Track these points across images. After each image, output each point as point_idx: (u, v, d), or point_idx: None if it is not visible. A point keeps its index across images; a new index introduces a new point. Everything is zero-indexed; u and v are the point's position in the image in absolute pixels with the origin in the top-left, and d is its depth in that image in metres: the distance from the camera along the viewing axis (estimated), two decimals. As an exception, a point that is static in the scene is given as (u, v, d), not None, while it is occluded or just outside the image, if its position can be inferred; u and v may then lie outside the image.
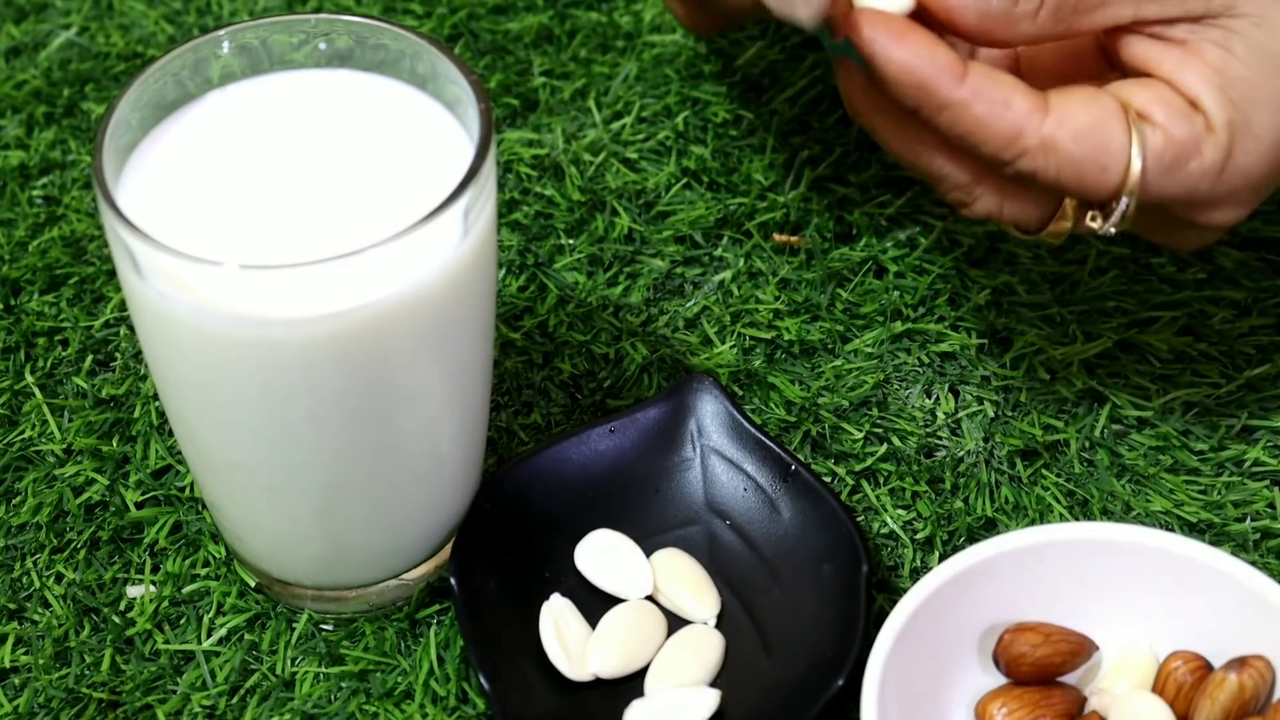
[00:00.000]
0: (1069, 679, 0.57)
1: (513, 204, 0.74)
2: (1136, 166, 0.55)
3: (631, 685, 0.59)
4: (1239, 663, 0.54)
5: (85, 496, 0.65)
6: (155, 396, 0.67)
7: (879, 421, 0.66)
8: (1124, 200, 0.56)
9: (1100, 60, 0.60)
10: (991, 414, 0.66)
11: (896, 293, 0.70)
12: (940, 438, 0.66)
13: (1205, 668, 0.56)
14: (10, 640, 0.61)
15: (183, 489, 0.65)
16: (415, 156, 0.56)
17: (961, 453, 0.65)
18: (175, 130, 0.57)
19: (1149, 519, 0.63)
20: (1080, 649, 0.57)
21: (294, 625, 0.61)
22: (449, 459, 0.60)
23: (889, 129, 0.58)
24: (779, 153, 0.76)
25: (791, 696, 0.57)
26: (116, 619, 0.62)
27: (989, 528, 0.63)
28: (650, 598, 0.61)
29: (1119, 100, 0.56)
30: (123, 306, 0.70)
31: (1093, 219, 0.58)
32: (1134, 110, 0.56)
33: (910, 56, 0.54)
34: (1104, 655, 0.58)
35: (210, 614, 0.62)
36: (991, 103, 0.55)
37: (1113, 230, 0.57)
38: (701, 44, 0.81)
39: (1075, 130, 0.55)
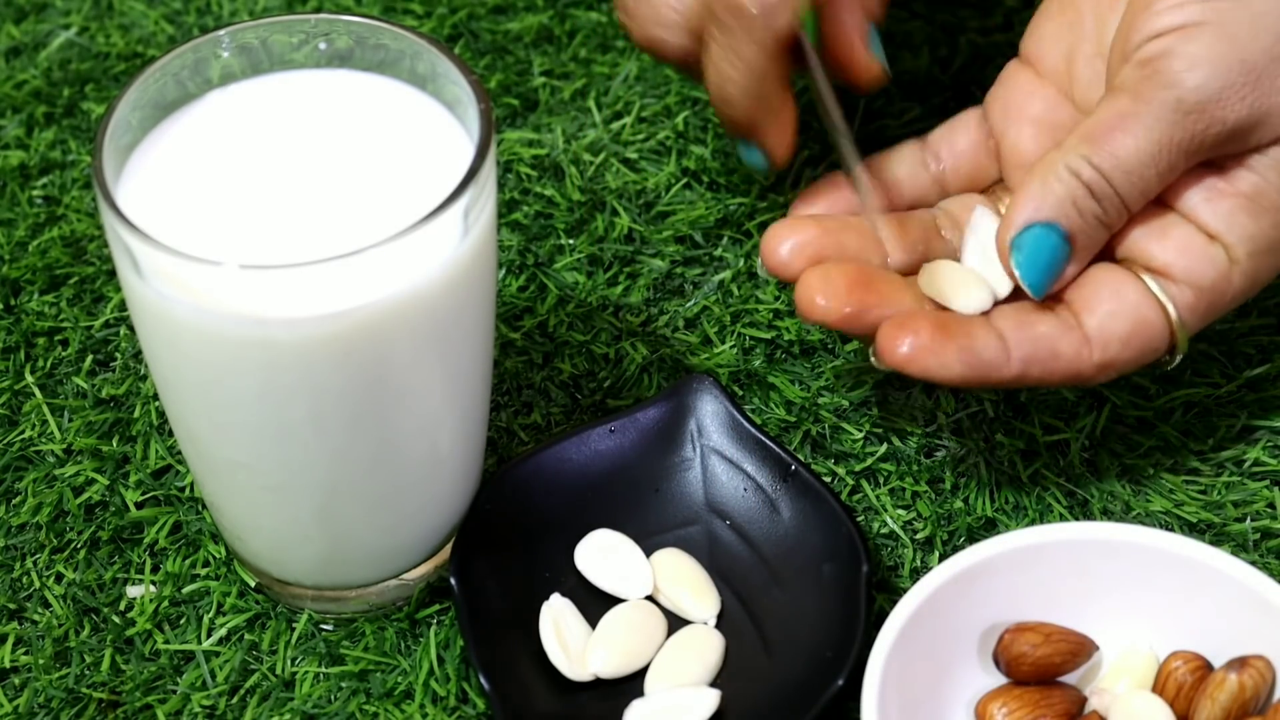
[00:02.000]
0: (1069, 679, 0.57)
1: (513, 204, 0.74)
2: (1179, 327, 0.59)
3: (632, 685, 0.59)
4: (1239, 663, 0.54)
5: (85, 496, 0.65)
6: (155, 396, 0.67)
7: (879, 421, 0.66)
8: (1177, 354, 0.60)
9: None
10: (991, 414, 0.66)
11: (896, 293, 0.70)
12: (940, 438, 0.66)
13: (1205, 667, 0.56)
14: (10, 640, 0.61)
15: (183, 489, 0.65)
16: (415, 156, 0.56)
17: (961, 453, 0.65)
18: (175, 130, 0.57)
19: (1149, 519, 0.63)
20: (1080, 649, 0.57)
21: (294, 625, 0.61)
22: (449, 459, 0.60)
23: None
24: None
25: (791, 696, 0.57)
26: (116, 619, 0.62)
27: (989, 528, 0.63)
28: (650, 598, 0.61)
29: (1139, 272, 0.59)
30: (123, 306, 0.70)
31: (1156, 365, 0.61)
32: (1155, 271, 0.59)
33: (958, 368, 0.58)
34: (1104, 655, 0.58)
35: (210, 614, 0.62)
36: (1043, 363, 0.58)
37: (1172, 366, 0.61)
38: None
39: (1121, 341, 0.59)
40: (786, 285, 0.68)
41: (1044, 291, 0.59)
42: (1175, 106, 0.58)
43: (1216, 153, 0.59)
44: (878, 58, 0.65)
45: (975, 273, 0.62)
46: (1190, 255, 0.59)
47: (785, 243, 0.61)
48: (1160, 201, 0.60)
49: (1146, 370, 0.64)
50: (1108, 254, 0.61)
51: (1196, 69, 0.57)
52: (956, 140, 0.66)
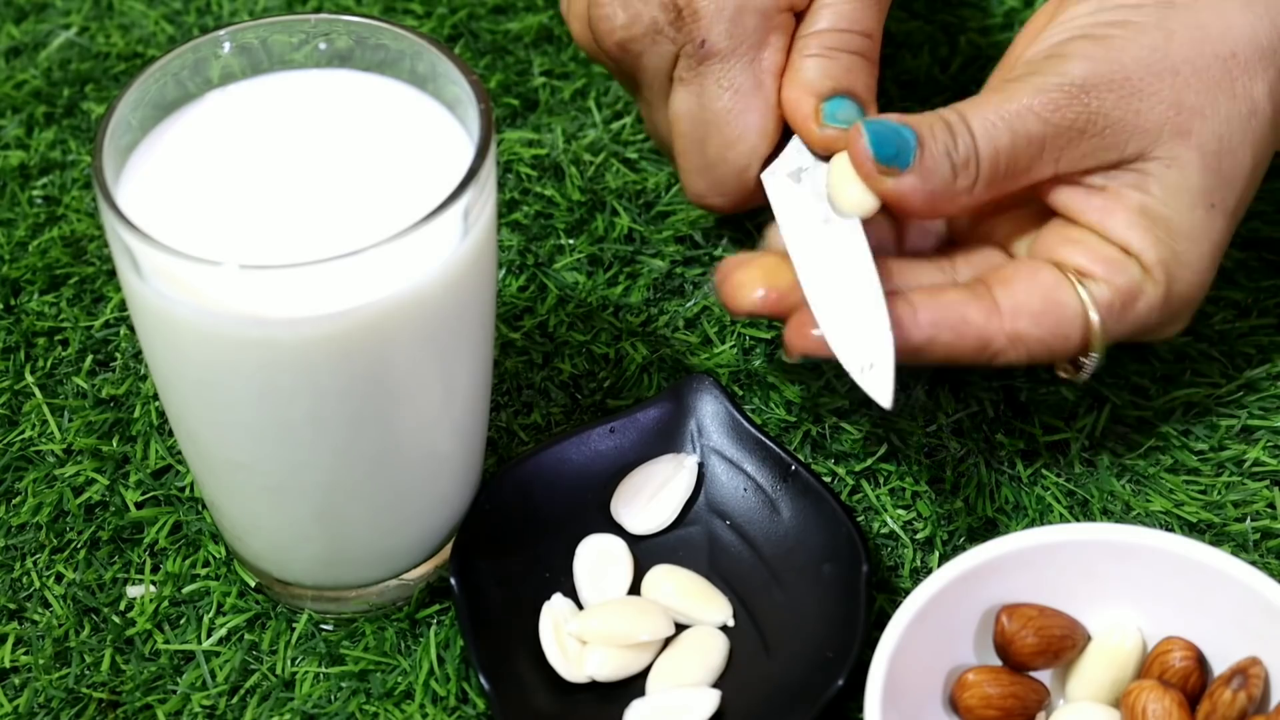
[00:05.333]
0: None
1: (513, 204, 0.74)
2: (1095, 323, 0.60)
3: (632, 686, 0.59)
4: (1241, 676, 0.55)
5: (85, 496, 0.65)
6: (155, 396, 0.67)
7: (879, 421, 0.66)
8: (1093, 356, 0.60)
9: (1032, 201, 0.63)
10: (991, 414, 0.66)
11: (896, 293, 0.70)
12: (940, 438, 0.66)
13: (1198, 659, 0.56)
14: (10, 640, 0.61)
15: (183, 489, 0.65)
16: (415, 156, 0.56)
17: (961, 453, 0.65)
18: (175, 130, 0.57)
19: (1149, 519, 0.63)
20: (1074, 630, 0.57)
21: (294, 625, 0.61)
22: (449, 459, 0.60)
23: None
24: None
25: (792, 696, 0.57)
26: (116, 619, 0.62)
27: (989, 528, 0.63)
28: (651, 600, 0.61)
29: (1057, 266, 0.60)
30: (123, 306, 0.70)
31: (1064, 372, 0.62)
32: (1073, 270, 0.60)
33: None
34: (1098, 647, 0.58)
35: (210, 614, 0.62)
36: (951, 328, 0.59)
37: (1086, 377, 0.61)
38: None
39: (1032, 315, 0.59)
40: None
41: (882, 156, 0.59)
42: (1041, 85, 0.60)
43: (1090, 159, 0.60)
44: (827, 121, 0.63)
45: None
46: (1105, 260, 0.60)
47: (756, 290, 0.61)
48: (1069, 221, 0.61)
49: (1132, 348, 0.64)
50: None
51: (1070, 61, 0.60)
52: None
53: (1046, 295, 0.60)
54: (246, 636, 0.61)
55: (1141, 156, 0.60)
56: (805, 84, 0.63)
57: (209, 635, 0.61)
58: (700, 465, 0.64)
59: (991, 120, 0.59)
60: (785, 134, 0.65)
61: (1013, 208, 0.63)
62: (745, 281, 0.60)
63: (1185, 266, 0.61)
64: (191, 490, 0.65)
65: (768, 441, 0.63)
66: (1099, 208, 0.61)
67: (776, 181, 0.64)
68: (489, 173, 0.54)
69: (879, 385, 0.57)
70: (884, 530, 0.63)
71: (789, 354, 0.59)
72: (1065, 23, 0.62)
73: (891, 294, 0.59)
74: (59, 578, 0.63)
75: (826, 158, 0.63)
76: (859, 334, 0.58)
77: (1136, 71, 0.60)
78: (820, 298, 0.59)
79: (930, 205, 0.60)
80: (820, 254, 0.60)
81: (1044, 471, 0.65)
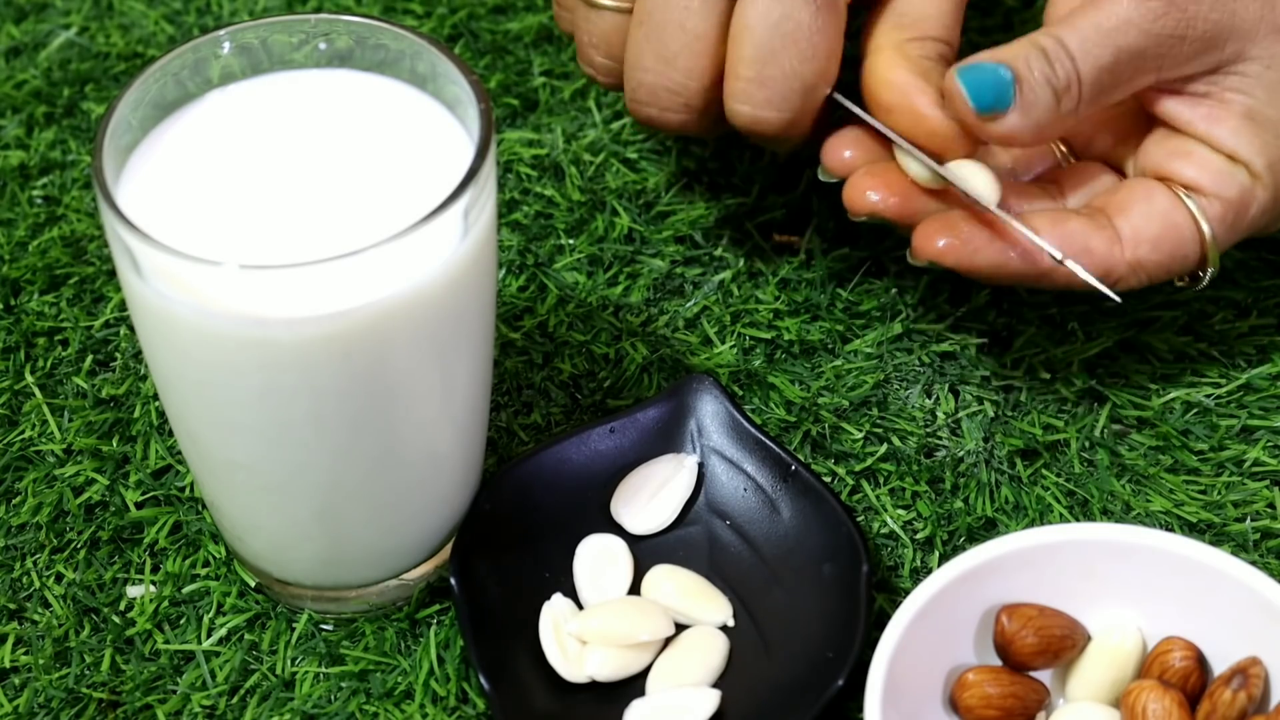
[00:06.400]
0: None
1: (513, 204, 0.74)
2: (1210, 238, 0.61)
3: (632, 686, 0.59)
4: (1241, 676, 0.55)
5: (85, 496, 0.65)
6: (155, 396, 0.67)
7: (879, 421, 0.66)
8: (1209, 270, 0.62)
9: (1136, 110, 0.64)
10: (991, 414, 0.66)
11: (896, 292, 0.70)
12: (940, 438, 0.66)
13: (1198, 659, 0.56)
14: (10, 640, 0.61)
15: (183, 489, 0.65)
16: (415, 156, 0.56)
17: (961, 453, 0.65)
18: (175, 130, 0.57)
19: (1149, 519, 0.63)
20: (1074, 630, 0.57)
21: (294, 625, 0.61)
22: (449, 459, 0.60)
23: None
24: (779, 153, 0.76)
25: (792, 696, 0.57)
26: (116, 619, 0.62)
27: (989, 528, 0.63)
28: (652, 601, 0.61)
29: (1168, 183, 0.62)
30: (123, 306, 0.70)
31: (1180, 283, 0.64)
32: (1183, 187, 0.61)
33: (994, 259, 0.60)
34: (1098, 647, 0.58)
35: (210, 614, 0.62)
36: (1077, 256, 0.60)
37: (1203, 286, 0.63)
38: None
39: (1152, 241, 0.61)
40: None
41: (982, 105, 0.59)
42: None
43: (1191, 64, 0.61)
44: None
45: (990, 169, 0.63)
46: (1214, 172, 0.61)
47: (847, 149, 0.63)
48: (1175, 130, 0.62)
49: (1134, 347, 0.64)
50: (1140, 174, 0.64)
51: None
52: None
53: (1164, 219, 0.61)
54: (246, 636, 0.61)
55: (1240, 57, 0.61)
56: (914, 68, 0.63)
57: (209, 635, 0.61)
58: (700, 465, 0.64)
59: (1090, 38, 0.60)
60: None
61: (1114, 119, 0.64)
62: (864, 186, 0.61)
63: None
64: (191, 490, 0.65)
65: (768, 441, 0.63)
66: (1204, 116, 0.62)
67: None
68: (489, 173, 0.54)
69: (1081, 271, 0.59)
70: (884, 530, 0.63)
71: (916, 258, 0.60)
72: None
73: (1018, 217, 0.60)
74: (59, 578, 0.63)
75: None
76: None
77: None
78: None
79: (1037, 136, 0.61)
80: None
81: (1044, 471, 0.65)
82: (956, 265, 0.60)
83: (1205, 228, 0.61)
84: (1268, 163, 0.61)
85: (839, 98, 0.63)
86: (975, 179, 0.61)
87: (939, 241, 0.60)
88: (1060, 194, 0.65)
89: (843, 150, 0.63)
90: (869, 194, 0.61)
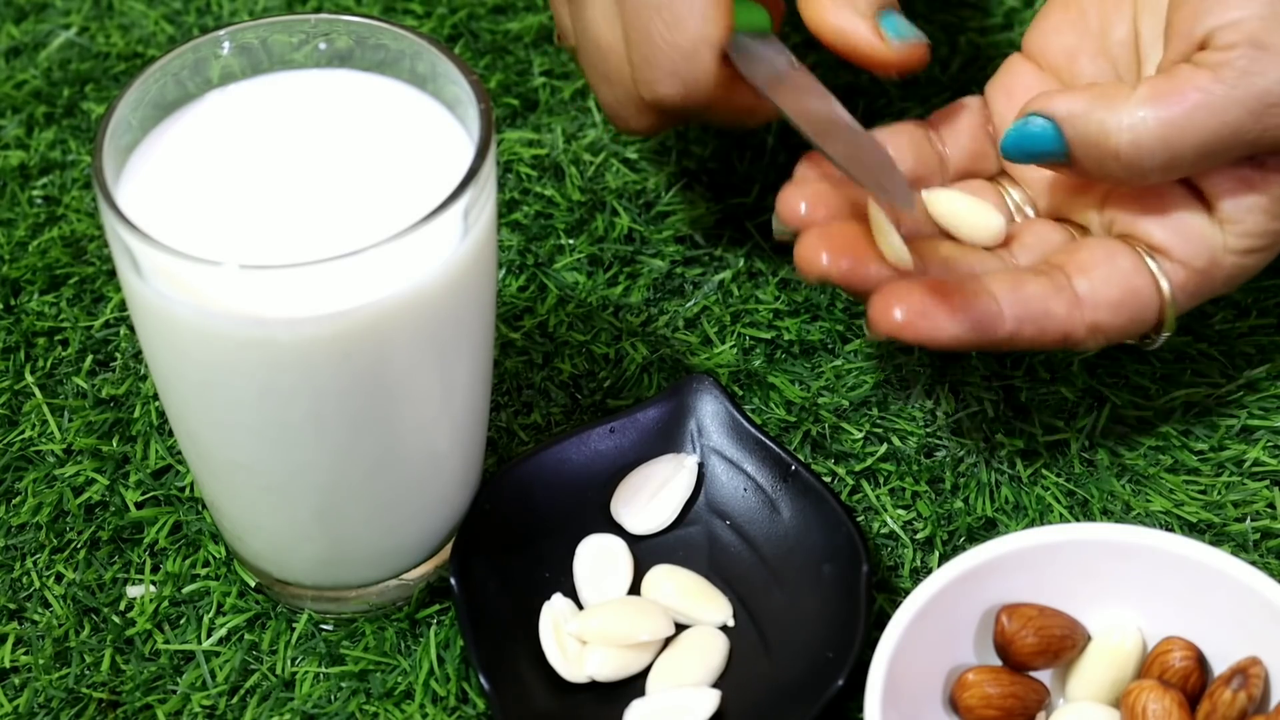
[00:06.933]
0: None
1: (513, 204, 0.74)
2: (1170, 304, 0.60)
3: (632, 686, 0.59)
4: (1241, 676, 0.54)
5: (85, 496, 0.65)
6: (155, 396, 0.67)
7: (879, 421, 0.66)
8: (1163, 333, 0.61)
9: None
10: (991, 414, 0.66)
11: (896, 293, 0.70)
12: (940, 438, 0.66)
13: (1199, 659, 0.56)
14: (10, 640, 0.61)
15: (183, 489, 0.65)
16: (415, 156, 0.56)
17: (961, 453, 0.65)
18: (175, 130, 0.57)
19: (1149, 519, 0.63)
20: (1074, 630, 0.57)
21: (294, 625, 0.61)
22: (449, 459, 0.60)
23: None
24: (779, 152, 0.76)
25: (792, 697, 0.57)
26: (116, 619, 0.62)
27: (989, 528, 0.63)
28: (652, 601, 0.61)
29: (1134, 244, 0.60)
30: (123, 306, 0.70)
31: (1131, 341, 0.62)
32: (1148, 248, 0.60)
33: (954, 330, 0.57)
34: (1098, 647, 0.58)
35: (210, 614, 0.62)
36: (1036, 321, 0.59)
37: (1156, 347, 0.62)
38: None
39: (1112, 306, 0.59)
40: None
41: (1011, 151, 0.60)
42: (1261, 97, 0.57)
43: (1267, 151, 0.59)
44: (891, 37, 0.61)
45: (984, 201, 0.62)
46: (1188, 237, 0.60)
47: (802, 201, 0.61)
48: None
49: (1131, 348, 0.64)
50: (1104, 230, 0.62)
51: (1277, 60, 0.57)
52: (958, 123, 0.65)
53: (1125, 283, 0.59)
54: (246, 636, 0.61)
55: None
56: (850, 4, 0.61)
57: (209, 635, 0.61)
58: (700, 465, 0.64)
59: (1190, 149, 0.58)
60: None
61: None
62: (817, 247, 0.59)
63: (1270, 251, 0.60)
64: (191, 490, 0.65)
65: (768, 441, 0.63)
66: (1236, 179, 0.59)
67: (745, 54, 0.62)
68: (489, 173, 0.54)
69: (899, 194, 0.58)
70: (884, 530, 0.63)
71: (873, 332, 0.58)
72: None
73: (974, 280, 0.59)
74: (59, 578, 0.63)
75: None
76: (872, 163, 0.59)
77: None
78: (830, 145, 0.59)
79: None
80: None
81: (1044, 471, 0.65)
82: (916, 340, 0.57)
83: (1167, 293, 0.60)
84: (1251, 247, 0.60)
85: (799, 127, 0.61)
86: (974, 217, 0.61)
87: (895, 313, 0.57)
88: (1010, 253, 0.63)
89: (798, 202, 0.61)
90: (821, 255, 0.58)
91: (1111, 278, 0.59)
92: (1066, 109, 0.59)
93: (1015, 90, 0.65)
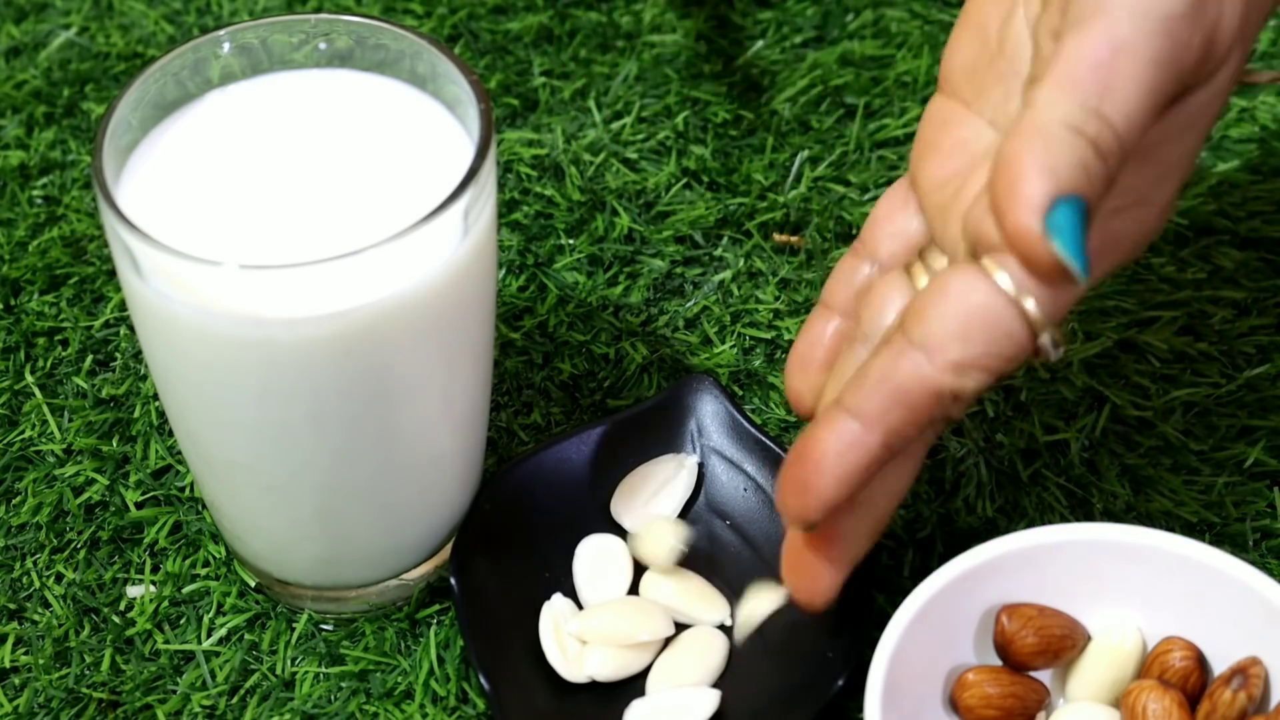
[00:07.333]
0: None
1: (513, 204, 0.74)
2: (1030, 306, 0.49)
3: (632, 686, 0.59)
4: (1241, 676, 0.55)
5: (85, 496, 0.65)
6: (155, 396, 0.67)
7: (879, 421, 0.66)
8: (1057, 345, 0.50)
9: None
10: (991, 414, 0.66)
11: (896, 293, 0.70)
12: (940, 438, 0.66)
13: (1199, 659, 0.56)
14: (10, 640, 0.61)
15: (183, 489, 0.65)
16: (415, 156, 0.56)
17: (961, 453, 0.65)
18: (175, 130, 0.57)
19: (1149, 519, 0.63)
20: (1074, 631, 0.57)
21: (294, 625, 0.61)
22: (449, 459, 0.60)
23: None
24: (779, 153, 0.76)
25: (792, 696, 0.57)
26: (116, 619, 0.62)
27: (989, 528, 0.63)
28: (652, 601, 0.61)
29: (975, 257, 0.50)
30: (123, 306, 0.70)
31: (1035, 359, 0.51)
32: (990, 253, 0.49)
33: (860, 536, 0.55)
34: (1098, 647, 0.58)
35: (210, 614, 0.62)
36: (897, 402, 0.49)
37: (1063, 352, 0.50)
38: (701, 44, 0.81)
39: (959, 336, 0.49)
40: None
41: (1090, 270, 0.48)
42: (1166, 12, 0.48)
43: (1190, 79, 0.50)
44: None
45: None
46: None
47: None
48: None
49: (1132, 347, 0.62)
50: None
51: None
52: (894, 223, 0.56)
53: (960, 304, 0.49)
54: (246, 636, 0.61)
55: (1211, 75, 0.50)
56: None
57: (209, 635, 0.61)
58: (700, 465, 0.64)
59: (1136, 113, 0.48)
60: None
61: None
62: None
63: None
64: (191, 490, 0.65)
65: (768, 441, 0.63)
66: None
67: None
68: (489, 173, 0.54)
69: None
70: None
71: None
72: None
73: (827, 411, 0.51)
74: (59, 578, 0.63)
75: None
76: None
77: None
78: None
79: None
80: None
81: (1044, 471, 0.65)
82: (810, 606, 0.54)
83: (1011, 291, 0.48)
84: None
85: None
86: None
87: (815, 602, 0.54)
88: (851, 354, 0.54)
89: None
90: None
91: (945, 307, 0.49)
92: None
93: (926, 140, 0.56)
